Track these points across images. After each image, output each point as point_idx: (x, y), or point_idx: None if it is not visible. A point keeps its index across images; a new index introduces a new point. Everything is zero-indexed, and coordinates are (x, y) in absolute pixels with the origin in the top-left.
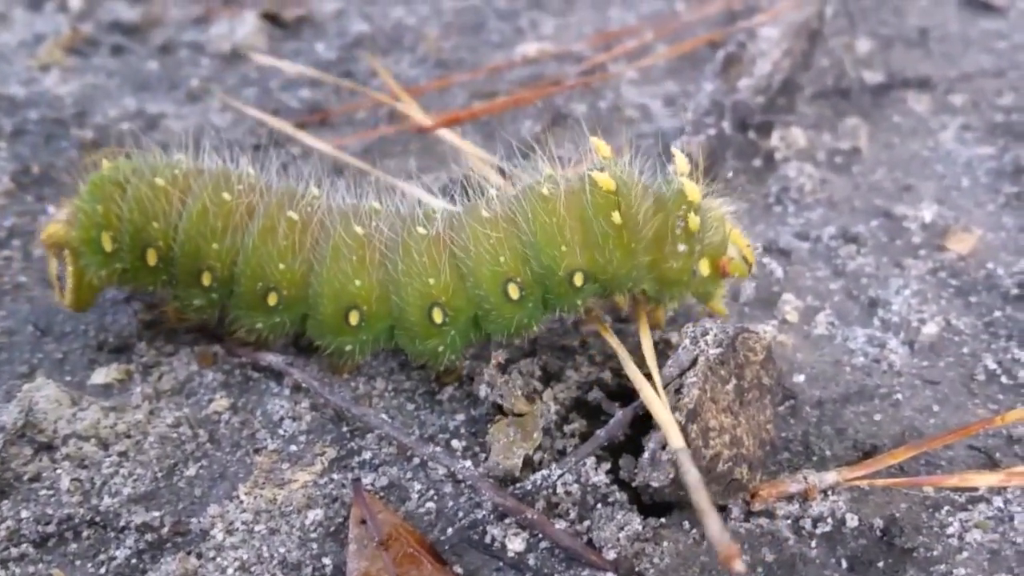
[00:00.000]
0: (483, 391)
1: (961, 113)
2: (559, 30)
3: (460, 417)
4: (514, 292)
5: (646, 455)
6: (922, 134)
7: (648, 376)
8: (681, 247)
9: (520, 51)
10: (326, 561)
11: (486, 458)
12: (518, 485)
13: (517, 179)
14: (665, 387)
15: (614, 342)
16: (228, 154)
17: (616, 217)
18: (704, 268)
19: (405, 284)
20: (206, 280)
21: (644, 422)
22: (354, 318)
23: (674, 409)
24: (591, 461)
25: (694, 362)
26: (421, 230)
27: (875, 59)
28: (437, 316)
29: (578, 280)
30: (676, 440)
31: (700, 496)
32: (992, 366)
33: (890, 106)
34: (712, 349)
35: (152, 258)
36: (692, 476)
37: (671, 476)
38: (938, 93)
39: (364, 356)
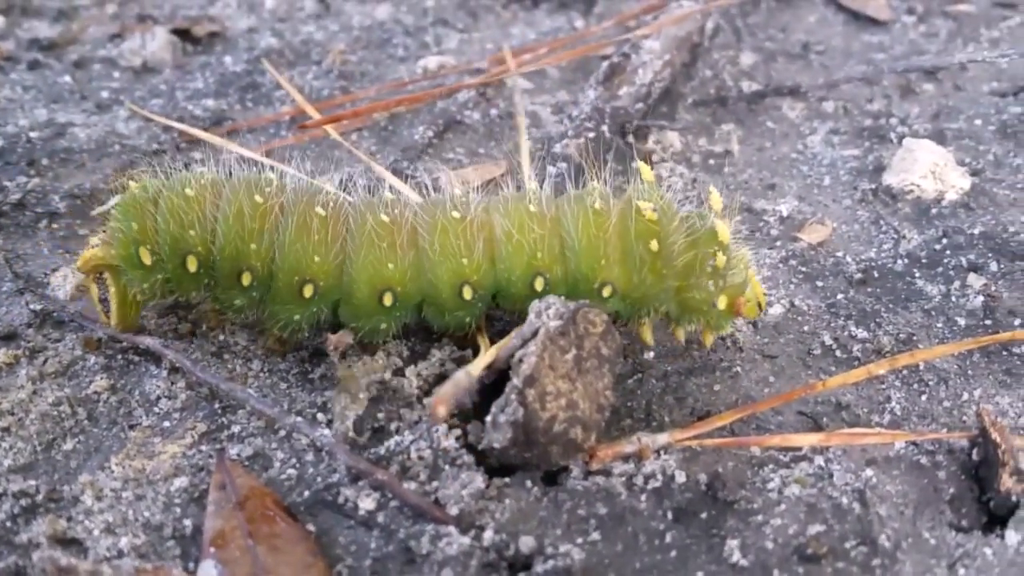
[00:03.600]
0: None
1: (831, 119)
2: (462, 45)
3: (329, 394)
4: (539, 285)
5: (489, 418)
6: (792, 138)
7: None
8: (706, 281)
9: (422, 64)
10: (187, 523)
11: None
12: (373, 451)
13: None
14: (511, 357)
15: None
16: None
17: (654, 245)
18: (722, 303)
19: (439, 264)
20: (246, 280)
21: (493, 391)
22: (388, 299)
23: (513, 375)
24: (443, 428)
25: (535, 333)
26: (456, 214)
27: (757, 71)
28: (467, 293)
29: (606, 292)
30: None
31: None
32: (829, 342)
33: (764, 113)
34: (553, 322)
35: (192, 264)
36: None
37: (509, 437)
38: (812, 100)
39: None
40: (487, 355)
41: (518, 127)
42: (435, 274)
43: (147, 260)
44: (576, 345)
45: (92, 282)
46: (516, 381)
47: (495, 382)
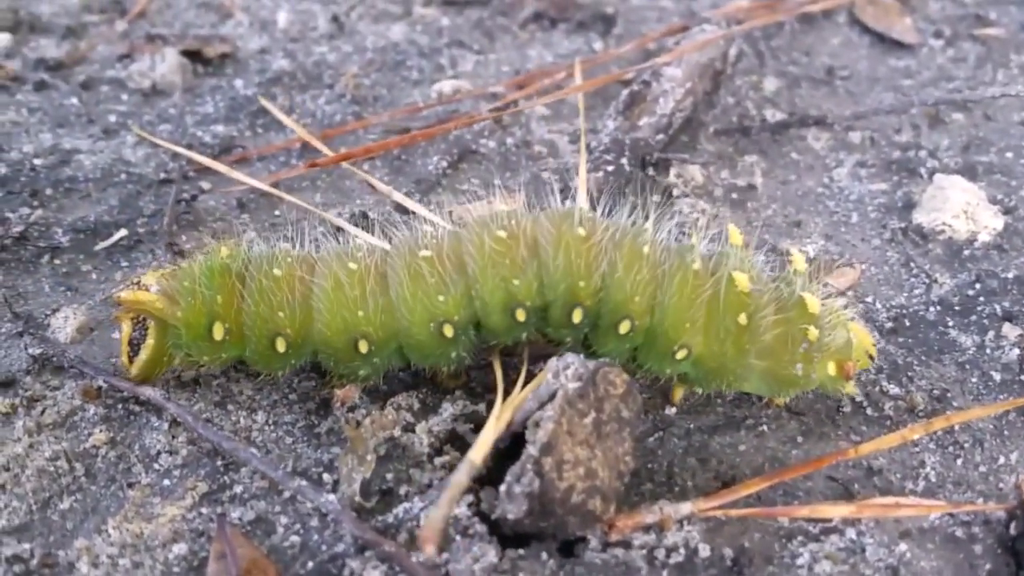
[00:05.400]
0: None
1: (858, 150)
2: (478, 67)
3: (336, 450)
4: (624, 328)
5: (503, 488)
6: (818, 171)
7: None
8: (803, 361)
9: (436, 88)
10: None
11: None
12: (380, 518)
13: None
14: (526, 420)
15: (498, 373)
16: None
17: (743, 319)
18: (831, 370)
19: (558, 283)
20: (363, 348)
21: (509, 455)
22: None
23: (530, 442)
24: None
25: (552, 396)
26: (582, 231)
27: (781, 98)
28: (577, 316)
29: (681, 354)
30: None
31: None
32: (859, 398)
33: (789, 143)
34: (571, 383)
35: (281, 346)
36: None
37: (524, 508)
38: (837, 131)
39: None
40: (493, 425)
41: (580, 154)
42: (553, 290)
43: (218, 336)
44: (595, 408)
45: (127, 319)
46: (532, 450)
47: (510, 445)
